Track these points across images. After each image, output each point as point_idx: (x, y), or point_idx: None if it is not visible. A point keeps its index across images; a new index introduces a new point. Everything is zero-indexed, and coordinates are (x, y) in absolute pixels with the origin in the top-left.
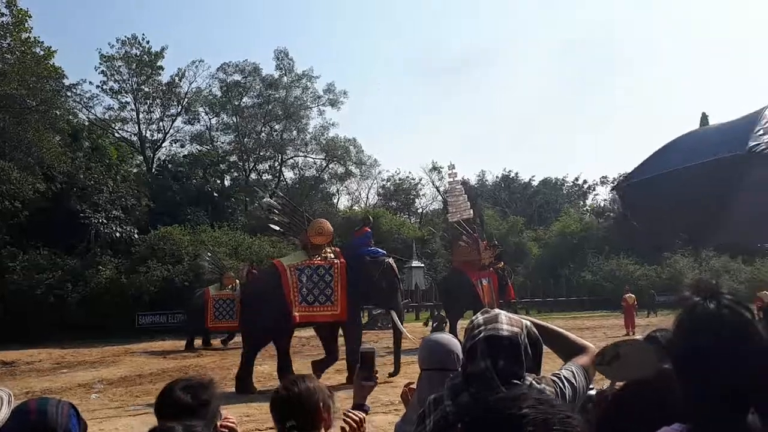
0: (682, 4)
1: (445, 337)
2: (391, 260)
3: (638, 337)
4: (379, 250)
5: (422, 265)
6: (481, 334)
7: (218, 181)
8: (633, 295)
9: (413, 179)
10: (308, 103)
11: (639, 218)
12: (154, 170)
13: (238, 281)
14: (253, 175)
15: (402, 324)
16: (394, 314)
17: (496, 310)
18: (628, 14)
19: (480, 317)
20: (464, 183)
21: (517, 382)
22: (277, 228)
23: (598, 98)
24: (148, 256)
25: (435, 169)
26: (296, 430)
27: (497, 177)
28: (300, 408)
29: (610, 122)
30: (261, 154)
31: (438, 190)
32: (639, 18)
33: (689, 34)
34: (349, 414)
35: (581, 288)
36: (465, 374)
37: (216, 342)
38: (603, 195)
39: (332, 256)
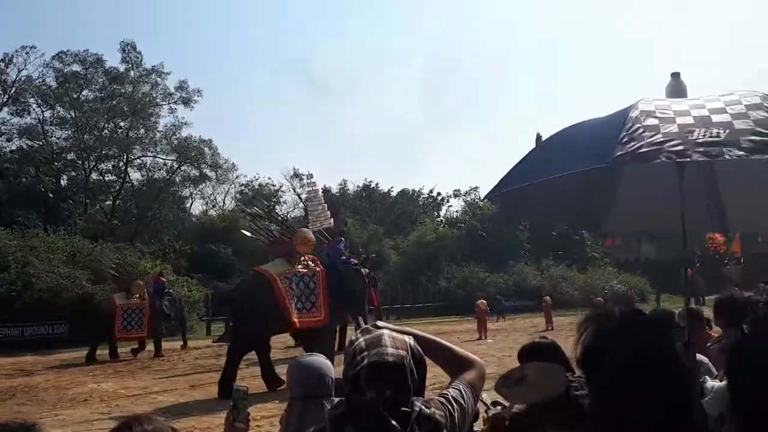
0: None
1: (316, 360)
2: (363, 270)
3: (490, 341)
4: (352, 259)
5: None
6: (365, 361)
7: (53, 181)
8: (485, 301)
9: (273, 185)
10: (158, 100)
11: (522, 218)
12: None
13: (145, 290)
14: (94, 175)
15: None
16: (361, 320)
17: (379, 331)
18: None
19: (362, 340)
20: (326, 191)
21: (407, 409)
22: (249, 234)
23: (450, 118)
24: None
25: (297, 175)
26: None
27: (358, 186)
28: None
29: (461, 140)
30: (104, 152)
31: (300, 198)
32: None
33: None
34: None
35: (437, 294)
36: (348, 405)
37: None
38: (456, 206)
39: (312, 264)
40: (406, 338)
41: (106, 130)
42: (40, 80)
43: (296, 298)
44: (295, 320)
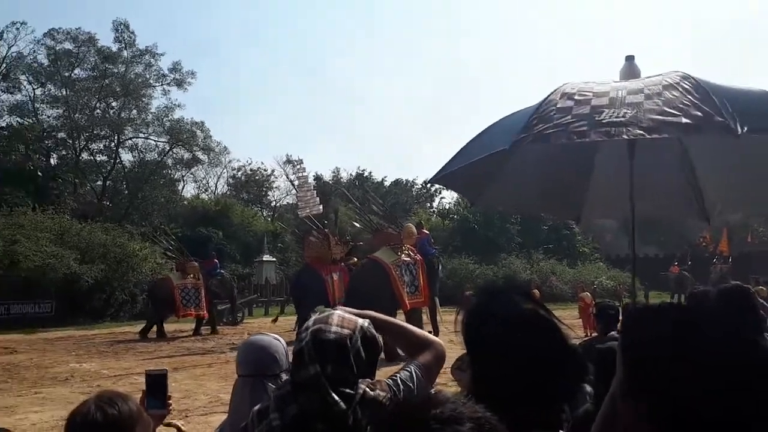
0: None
1: (265, 338)
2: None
3: None
4: (434, 249)
5: (274, 259)
6: (308, 337)
7: (43, 159)
8: (472, 293)
9: (266, 170)
10: (151, 81)
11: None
12: None
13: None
14: (85, 155)
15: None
16: (437, 300)
17: (330, 310)
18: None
19: (312, 319)
20: (318, 179)
21: (349, 390)
22: (358, 225)
23: (442, 113)
24: None
25: (289, 162)
26: None
27: (351, 175)
28: None
29: (454, 135)
30: (95, 132)
31: (292, 184)
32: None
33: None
34: None
35: None
36: (293, 382)
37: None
38: (448, 198)
39: (412, 254)
40: (359, 320)
41: (97, 110)
42: (31, 57)
43: (406, 284)
44: (407, 303)
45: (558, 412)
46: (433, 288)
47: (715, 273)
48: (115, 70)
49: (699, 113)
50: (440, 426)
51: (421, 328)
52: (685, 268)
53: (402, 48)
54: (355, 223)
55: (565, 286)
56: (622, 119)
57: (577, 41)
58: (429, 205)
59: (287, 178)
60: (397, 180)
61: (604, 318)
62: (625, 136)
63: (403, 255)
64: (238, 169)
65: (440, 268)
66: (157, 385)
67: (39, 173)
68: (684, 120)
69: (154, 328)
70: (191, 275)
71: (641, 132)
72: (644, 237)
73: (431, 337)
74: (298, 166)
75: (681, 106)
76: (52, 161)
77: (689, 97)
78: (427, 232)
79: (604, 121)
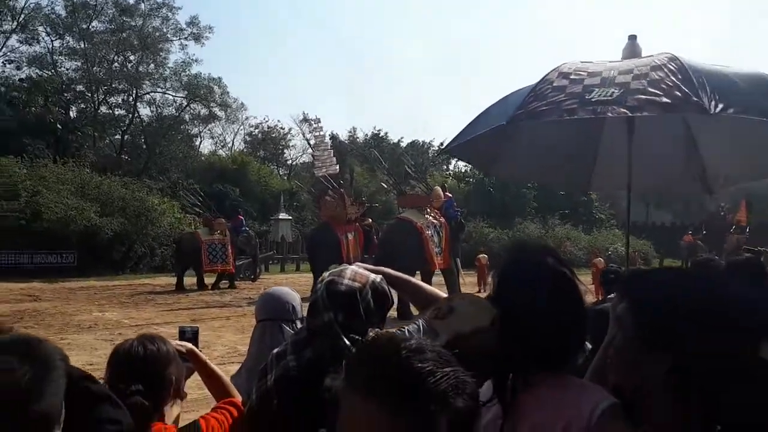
0: None
1: (282, 289)
2: (368, 220)
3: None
4: (458, 211)
5: (290, 217)
6: (322, 288)
7: (62, 112)
8: (486, 256)
9: (283, 129)
10: (168, 36)
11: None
12: None
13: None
14: (103, 108)
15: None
16: (458, 262)
17: (346, 265)
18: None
19: (327, 273)
20: (333, 138)
21: (359, 338)
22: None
23: (464, 73)
24: None
25: (306, 120)
26: (140, 395)
27: (367, 135)
28: (152, 371)
29: (475, 94)
30: (113, 85)
31: (308, 143)
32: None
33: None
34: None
35: None
36: (308, 329)
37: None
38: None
39: (436, 216)
40: (371, 275)
41: (115, 64)
42: (49, 8)
43: (435, 245)
44: (437, 262)
45: (567, 361)
46: (455, 250)
47: (731, 243)
48: (133, 23)
49: (678, 93)
50: (411, 354)
51: (457, 284)
52: (699, 238)
53: (420, 8)
54: (383, 184)
55: (580, 252)
56: (609, 98)
57: (593, 13)
58: (445, 167)
59: (303, 136)
60: (413, 141)
61: (605, 282)
62: (609, 114)
63: (430, 216)
64: (255, 127)
65: (462, 230)
66: (189, 341)
67: (58, 126)
68: (664, 99)
69: (195, 281)
70: (218, 231)
71: (624, 110)
72: (661, 205)
73: (442, 294)
74: (315, 125)
75: (663, 86)
76: (71, 114)
77: (672, 78)
78: (450, 195)
79: (593, 100)
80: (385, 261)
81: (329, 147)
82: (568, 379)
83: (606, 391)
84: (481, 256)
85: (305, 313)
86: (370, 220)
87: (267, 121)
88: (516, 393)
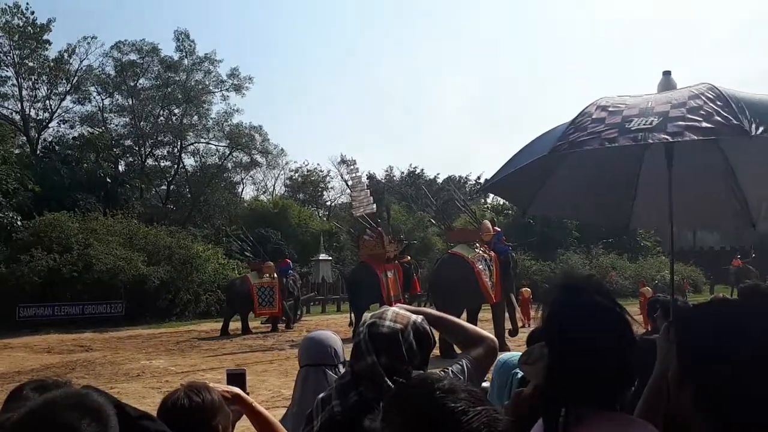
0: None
1: (324, 333)
2: (408, 257)
3: (533, 328)
4: (508, 246)
5: (330, 258)
6: (364, 331)
7: (112, 166)
8: (529, 289)
9: (321, 171)
10: (210, 88)
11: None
12: (39, 152)
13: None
14: (150, 161)
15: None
16: (512, 296)
17: (386, 307)
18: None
19: (369, 314)
20: (370, 178)
21: (401, 379)
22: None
23: (495, 111)
24: (32, 243)
25: (343, 162)
26: None
27: (404, 173)
28: (199, 422)
29: (510, 129)
30: (159, 138)
31: (346, 184)
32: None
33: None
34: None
35: None
36: (352, 372)
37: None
38: None
39: (485, 250)
40: (412, 316)
41: (161, 117)
42: (100, 69)
43: (488, 278)
44: (492, 296)
45: (618, 396)
46: (509, 285)
47: None
48: (177, 78)
49: (719, 118)
50: (444, 395)
51: (503, 321)
52: (749, 261)
53: (452, 47)
54: (432, 220)
55: (626, 282)
56: (649, 126)
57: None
58: (483, 200)
59: (341, 178)
60: (450, 176)
61: (653, 312)
62: (650, 140)
63: (479, 250)
64: (295, 171)
65: (513, 265)
66: (236, 384)
67: (108, 180)
68: (704, 124)
69: (240, 324)
70: (267, 274)
71: (665, 136)
72: (707, 229)
73: (484, 332)
74: (352, 167)
75: (702, 113)
76: (120, 168)
77: (711, 104)
78: (498, 229)
79: (633, 129)
80: (442, 297)
81: (366, 187)
82: (618, 415)
83: (652, 426)
84: (524, 289)
85: (347, 356)
86: (409, 257)
87: (306, 165)
88: (567, 429)
